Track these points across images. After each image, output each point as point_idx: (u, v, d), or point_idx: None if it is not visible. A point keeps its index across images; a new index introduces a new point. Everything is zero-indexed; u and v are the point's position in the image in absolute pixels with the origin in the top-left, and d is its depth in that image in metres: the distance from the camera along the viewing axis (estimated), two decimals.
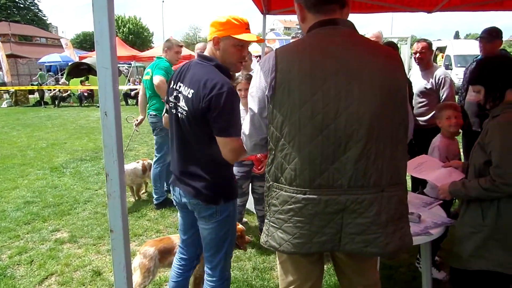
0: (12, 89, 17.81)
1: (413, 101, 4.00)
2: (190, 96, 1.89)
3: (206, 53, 2.01)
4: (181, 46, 4.59)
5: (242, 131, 1.69)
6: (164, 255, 2.67)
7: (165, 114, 2.27)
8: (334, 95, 1.41)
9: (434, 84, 3.85)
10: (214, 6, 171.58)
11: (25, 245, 3.68)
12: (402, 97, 1.51)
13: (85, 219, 4.29)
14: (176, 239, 2.77)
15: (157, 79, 4.24)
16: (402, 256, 3.31)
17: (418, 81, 3.97)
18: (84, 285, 3.04)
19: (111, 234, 1.27)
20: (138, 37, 48.87)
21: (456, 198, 2.26)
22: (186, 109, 1.92)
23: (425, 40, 3.98)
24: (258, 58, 6.76)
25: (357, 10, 4.25)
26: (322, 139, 1.43)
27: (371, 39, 4.24)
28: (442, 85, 3.83)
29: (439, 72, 3.89)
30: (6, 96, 17.85)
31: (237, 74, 3.56)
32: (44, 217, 4.35)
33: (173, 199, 2.22)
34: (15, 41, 39.60)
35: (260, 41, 2.09)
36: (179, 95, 1.97)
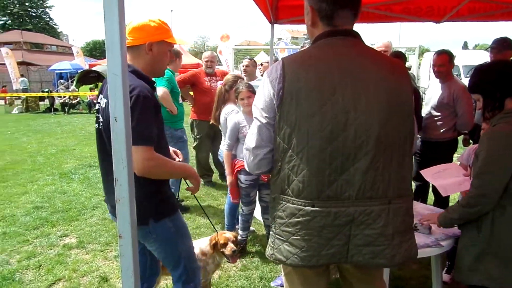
0: (23, 95, 18.08)
1: (428, 113, 3.91)
2: (104, 106, 1.80)
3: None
4: (181, 54, 4.70)
5: (245, 146, 1.62)
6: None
7: None
8: (342, 107, 1.41)
9: (451, 98, 3.70)
10: (222, 16, 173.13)
11: (34, 250, 3.71)
12: (408, 108, 1.51)
13: (93, 225, 4.31)
14: None
15: (161, 90, 4.21)
16: (412, 267, 3.27)
17: (436, 93, 3.85)
18: None
19: (120, 240, 1.27)
20: None
21: (448, 226, 2.16)
22: (102, 120, 1.83)
23: (445, 52, 3.81)
24: (260, 65, 6.78)
25: (365, 20, 4.25)
26: (331, 150, 1.42)
27: (381, 49, 4.25)
28: (458, 100, 3.67)
29: (457, 86, 3.72)
30: (17, 102, 18.12)
31: (238, 84, 3.58)
32: (52, 222, 4.38)
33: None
34: (26, 48, 40.18)
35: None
36: (99, 107, 1.88)
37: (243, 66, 5.23)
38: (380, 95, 1.44)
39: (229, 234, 2.73)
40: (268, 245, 1.64)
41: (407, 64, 8.86)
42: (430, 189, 4.08)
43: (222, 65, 13.33)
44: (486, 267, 1.88)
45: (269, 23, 4.19)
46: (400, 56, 4.12)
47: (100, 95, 1.91)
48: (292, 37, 68.80)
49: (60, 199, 5.20)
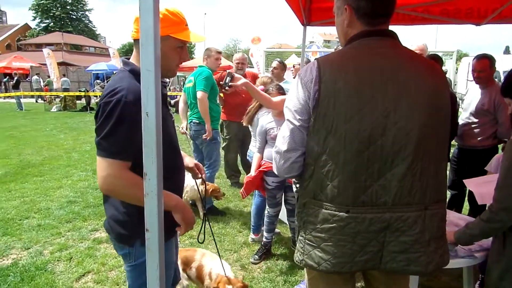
0: (62, 94, 18.86)
1: (466, 119, 3.75)
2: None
3: (131, 57, 1.65)
4: (220, 53, 4.71)
5: (275, 149, 1.54)
6: (183, 266, 2.65)
7: None
8: (382, 110, 1.36)
9: (492, 104, 3.52)
10: (254, 19, 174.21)
11: (66, 243, 3.83)
12: (446, 111, 1.47)
13: None
14: (199, 253, 2.74)
15: (199, 94, 4.30)
16: (442, 279, 3.14)
17: (475, 99, 3.67)
18: (118, 285, 3.11)
19: (147, 233, 1.28)
20: None
21: (464, 244, 2.04)
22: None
23: (486, 56, 3.63)
24: (293, 67, 6.78)
25: (401, 22, 4.14)
26: (368, 155, 1.38)
27: (415, 52, 4.12)
28: (499, 106, 3.48)
29: (499, 92, 3.42)
30: (56, 101, 18.94)
31: (268, 85, 3.53)
32: (84, 217, 4.52)
33: None
34: (66, 50, 42.04)
35: (199, 39, 1.64)
36: None
37: (272, 67, 5.30)
38: (420, 97, 1.39)
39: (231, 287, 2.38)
40: (296, 250, 1.59)
41: (443, 69, 8.56)
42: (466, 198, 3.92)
43: (253, 67, 13.38)
44: (509, 286, 1.76)
45: (301, 25, 4.16)
46: (436, 59, 3.98)
47: None
48: (324, 40, 68.10)
49: (92, 194, 5.37)
